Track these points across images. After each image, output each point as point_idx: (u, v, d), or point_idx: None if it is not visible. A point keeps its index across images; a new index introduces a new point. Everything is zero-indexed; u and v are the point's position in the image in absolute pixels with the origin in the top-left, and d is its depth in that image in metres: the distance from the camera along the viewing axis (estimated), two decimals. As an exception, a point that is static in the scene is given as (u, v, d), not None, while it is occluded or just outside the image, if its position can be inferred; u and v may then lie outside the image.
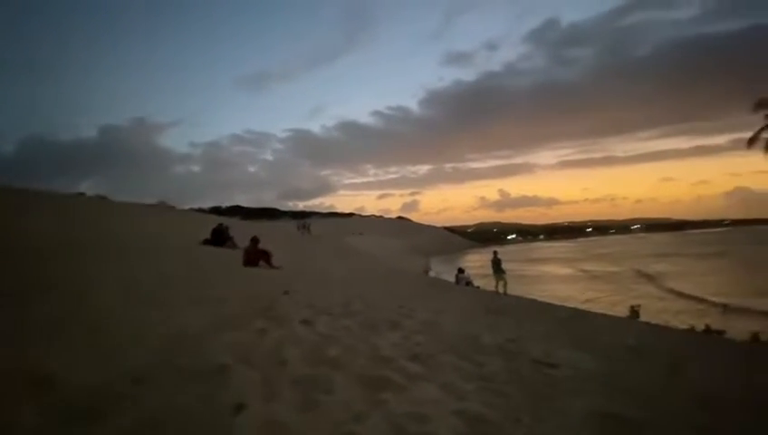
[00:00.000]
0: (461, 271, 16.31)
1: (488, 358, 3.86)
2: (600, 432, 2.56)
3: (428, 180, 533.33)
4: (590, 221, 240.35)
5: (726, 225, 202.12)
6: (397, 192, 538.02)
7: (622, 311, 12.25)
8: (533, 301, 11.36)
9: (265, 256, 9.99)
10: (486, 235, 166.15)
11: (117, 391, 2.11)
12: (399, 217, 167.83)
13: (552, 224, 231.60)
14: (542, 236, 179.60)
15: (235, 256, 10.68)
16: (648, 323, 9.78)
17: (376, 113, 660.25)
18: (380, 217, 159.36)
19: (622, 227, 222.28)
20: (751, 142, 25.30)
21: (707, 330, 17.16)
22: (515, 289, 15.79)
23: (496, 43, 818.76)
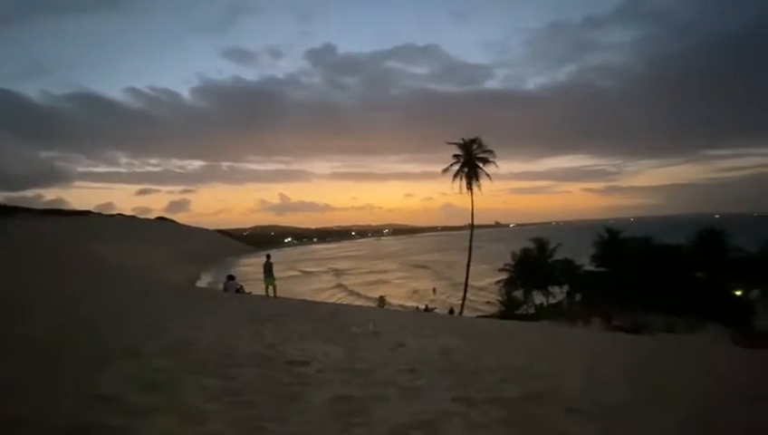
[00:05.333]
0: (231, 277, 15.36)
1: (242, 370, 3.75)
2: (336, 415, 2.91)
3: (201, 178, 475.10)
4: (355, 226, 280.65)
5: (439, 230, 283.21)
6: (163, 188, 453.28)
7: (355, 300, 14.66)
8: (302, 301, 11.99)
9: None
10: (264, 238, 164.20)
11: None
12: (161, 218, 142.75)
13: (325, 228, 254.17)
14: (315, 239, 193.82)
15: None
16: (388, 310, 12.00)
17: (132, 91, 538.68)
18: (133, 217, 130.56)
19: (377, 231, 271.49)
20: (444, 171, 35.94)
21: (426, 309, 22.93)
22: (289, 290, 16.24)
23: (280, 51, 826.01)
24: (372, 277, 59.85)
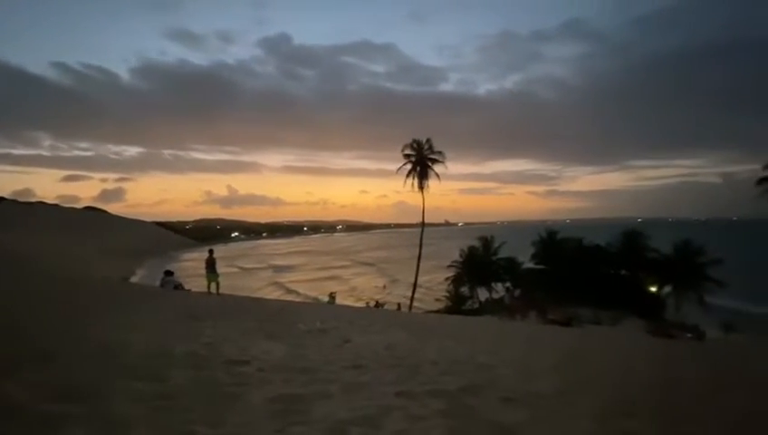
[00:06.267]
0: (168, 273, 14.37)
1: (176, 371, 3.52)
2: (274, 414, 2.83)
3: (139, 165, 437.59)
4: (307, 221, 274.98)
5: (392, 227, 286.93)
6: (95, 175, 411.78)
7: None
8: (246, 298, 11.53)
9: None
10: (209, 232, 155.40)
11: None
12: (90, 208, 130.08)
13: (276, 223, 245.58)
14: (264, 234, 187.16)
15: None
16: (338, 306, 11.92)
17: (61, 66, 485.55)
18: (57, 205, 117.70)
19: (330, 227, 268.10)
20: (398, 170, 36.35)
21: (377, 304, 23.16)
22: (234, 287, 15.53)
23: (231, 36, 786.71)
24: (323, 273, 59.15)
